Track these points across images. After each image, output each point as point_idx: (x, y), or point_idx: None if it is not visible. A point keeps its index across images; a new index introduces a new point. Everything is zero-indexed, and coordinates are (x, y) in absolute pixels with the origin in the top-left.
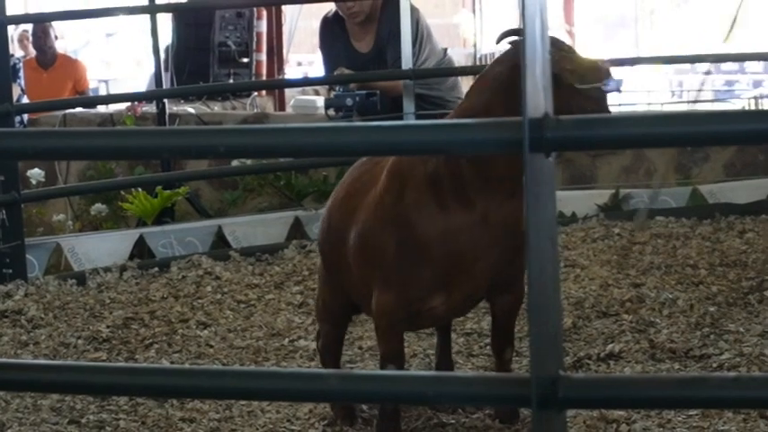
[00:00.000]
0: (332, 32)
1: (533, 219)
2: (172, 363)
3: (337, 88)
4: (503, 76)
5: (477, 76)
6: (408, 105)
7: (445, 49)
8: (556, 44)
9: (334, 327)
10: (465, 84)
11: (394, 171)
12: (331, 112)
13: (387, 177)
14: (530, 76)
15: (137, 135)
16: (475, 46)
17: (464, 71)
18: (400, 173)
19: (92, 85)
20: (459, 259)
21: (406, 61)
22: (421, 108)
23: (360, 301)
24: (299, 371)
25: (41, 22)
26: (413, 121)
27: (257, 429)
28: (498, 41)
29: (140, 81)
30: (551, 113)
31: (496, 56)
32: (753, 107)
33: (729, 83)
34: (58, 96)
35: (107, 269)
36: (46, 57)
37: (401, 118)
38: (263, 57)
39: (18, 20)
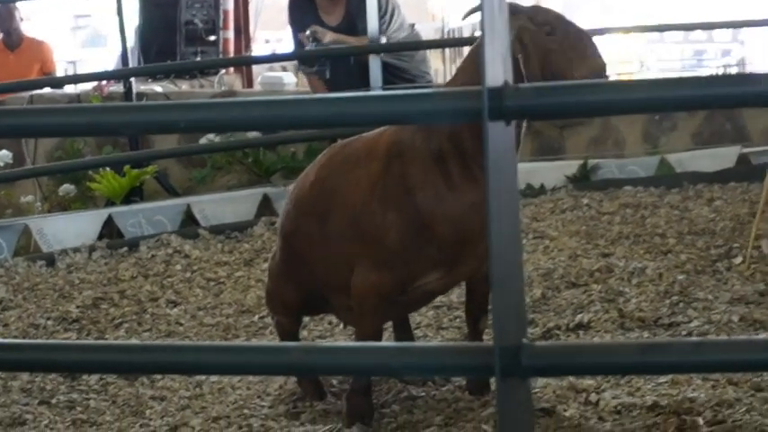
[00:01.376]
0: (300, 8)
1: (494, 187)
2: (142, 341)
3: (311, 43)
4: (475, 52)
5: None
6: (375, 78)
7: (412, 24)
8: (516, 10)
9: (289, 318)
10: (433, 57)
11: (393, 151)
12: (306, 67)
13: (384, 156)
14: (488, 45)
15: (97, 111)
16: (443, 20)
17: (431, 44)
18: (400, 153)
19: (59, 66)
20: (468, 236)
21: (373, 34)
22: (390, 81)
23: (333, 294)
24: (264, 344)
25: (6, 2)
26: (375, 92)
27: (228, 406)
28: (465, 17)
29: (108, 62)
30: (511, 82)
31: (464, 31)
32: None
33: (698, 52)
34: (25, 78)
35: (76, 250)
36: (11, 38)
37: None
38: (231, 34)
39: None
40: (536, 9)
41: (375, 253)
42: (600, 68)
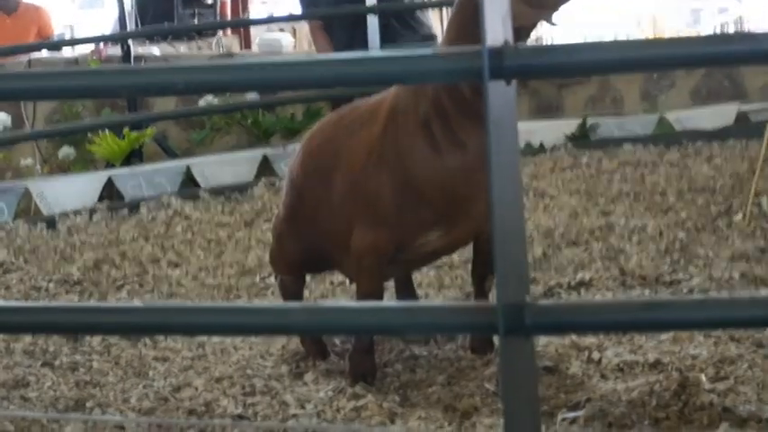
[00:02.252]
0: None
1: (495, 147)
2: (144, 303)
3: None
4: (462, 9)
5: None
6: (374, 38)
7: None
8: None
9: (293, 277)
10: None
11: (389, 114)
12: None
13: (384, 120)
14: (488, 4)
15: (96, 74)
16: None
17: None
18: (395, 116)
19: (57, 30)
20: (456, 199)
21: None
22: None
23: (337, 252)
24: (266, 305)
25: None
26: (373, 52)
27: (230, 366)
28: None
29: (105, 24)
30: (511, 42)
31: None
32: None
33: (695, 10)
34: (23, 42)
35: (77, 212)
36: (8, 3)
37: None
38: None
39: None
40: None
41: (371, 213)
42: None
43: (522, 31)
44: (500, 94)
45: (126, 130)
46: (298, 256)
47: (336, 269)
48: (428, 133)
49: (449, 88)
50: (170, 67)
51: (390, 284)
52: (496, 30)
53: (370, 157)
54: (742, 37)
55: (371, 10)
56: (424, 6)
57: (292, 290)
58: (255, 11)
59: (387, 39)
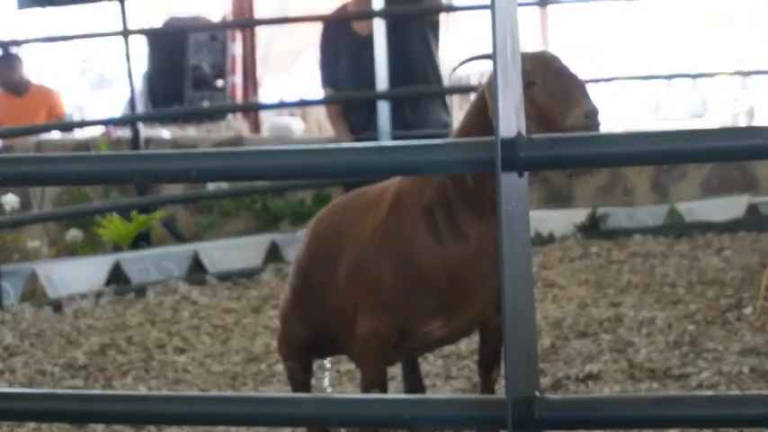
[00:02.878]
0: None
1: (507, 239)
2: (149, 389)
3: None
4: (479, 99)
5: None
6: (384, 126)
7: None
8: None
9: (301, 363)
10: None
11: (394, 199)
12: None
13: (389, 205)
14: (501, 95)
15: (109, 160)
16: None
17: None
18: (399, 202)
19: (67, 110)
20: (458, 289)
21: (381, 82)
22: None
23: (344, 334)
24: (274, 395)
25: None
26: (386, 142)
27: None
28: (464, 63)
29: (115, 105)
30: (524, 133)
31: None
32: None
33: (705, 101)
34: (33, 123)
35: (83, 295)
36: (20, 85)
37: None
38: (238, 79)
39: None
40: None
41: (374, 298)
42: (588, 113)
43: None
44: (513, 185)
45: (134, 213)
46: (304, 340)
47: (342, 353)
48: (431, 221)
49: (454, 177)
50: (183, 154)
51: (397, 372)
52: (510, 120)
53: (374, 242)
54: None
55: (384, 96)
56: (440, 93)
57: (300, 379)
58: (265, 95)
59: (401, 125)
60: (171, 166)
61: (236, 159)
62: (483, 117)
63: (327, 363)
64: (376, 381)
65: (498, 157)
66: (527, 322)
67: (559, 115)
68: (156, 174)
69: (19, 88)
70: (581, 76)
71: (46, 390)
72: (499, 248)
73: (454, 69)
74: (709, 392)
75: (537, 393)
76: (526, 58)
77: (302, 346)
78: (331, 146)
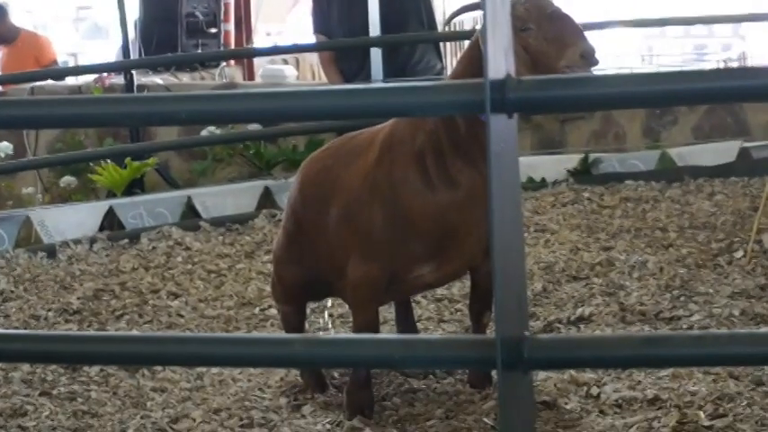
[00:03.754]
0: None
1: (496, 181)
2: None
3: None
4: (472, 45)
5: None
6: (377, 70)
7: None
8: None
9: (294, 307)
10: None
11: (385, 145)
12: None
13: (379, 151)
14: (490, 37)
15: (100, 103)
16: (444, 14)
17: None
18: (390, 147)
19: (61, 58)
20: (448, 235)
21: (374, 28)
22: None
23: (335, 278)
24: (265, 336)
25: None
26: (376, 85)
27: (228, 398)
28: (454, 16)
29: (109, 54)
30: (513, 75)
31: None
32: None
33: (698, 47)
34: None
35: (77, 241)
36: (8, 34)
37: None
38: (231, 27)
39: None
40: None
41: (364, 243)
42: (584, 53)
43: None
44: (502, 127)
45: (128, 159)
46: (297, 283)
47: (335, 295)
48: (422, 167)
49: (446, 124)
50: (173, 97)
51: (391, 317)
52: (499, 62)
53: (364, 188)
54: (746, 72)
55: (376, 42)
56: (434, 40)
57: (294, 323)
58: (259, 41)
59: (394, 71)
60: (161, 108)
61: (226, 102)
62: (476, 64)
63: (329, 301)
64: (368, 325)
65: (488, 99)
66: (516, 264)
67: (554, 58)
68: (147, 116)
69: (7, 37)
70: (575, 18)
71: (40, 332)
72: (488, 190)
73: (448, 21)
74: (698, 332)
75: (526, 333)
76: (519, 3)
77: (295, 290)
78: (321, 88)
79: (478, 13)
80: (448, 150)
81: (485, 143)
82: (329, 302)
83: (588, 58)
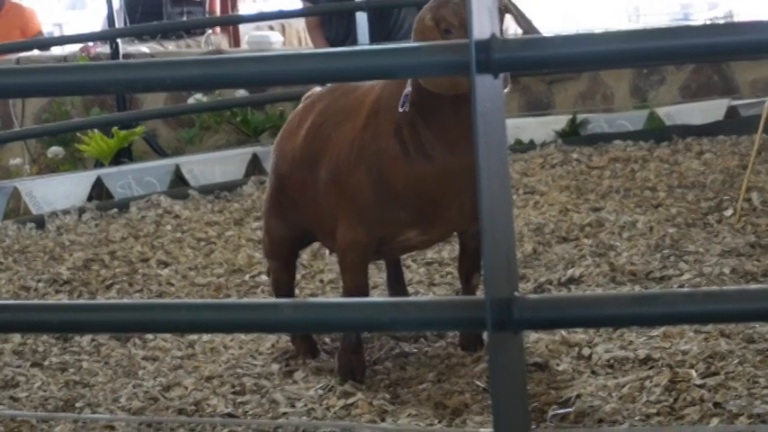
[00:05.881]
0: None
1: (483, 141)
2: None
3: None
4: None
5: None
6: (363, 33)
7: None
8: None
9: (283, 262)
10: None
11: (372, 110)
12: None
13: (366, 115)
14: None
15: (84, 70)
16: None
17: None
18: (377, 113)
19: (46, 28)
20: (428, 204)
21: None
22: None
23: (321, 234)
24: (254, 301)
25: None
26: (361, 47)
27: (220, 366)
28: None
29: (92, 24)
30: (498, 35)
31: None
32: None
33: (685, 5)
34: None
35: (66, 211)
36: None
37: None
38: None
39: None
40: (440, 3)
41: (351, 208)
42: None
43: None
44: (487, 87)
45: (115, 128)
46: (286, 237)
47: (322, 243)
48: (400, 139)
49: (416, 99)
50: (158, 63)
51: (381, 281)
52: (483, 23)
53: (352, 151)
54: (731, 28)
55: (362, 7)
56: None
57: (284, 280)
58: (245, 8)
59: (380, 36)
60: (146, 74)
61: (211, 66)
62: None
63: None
64: (357, 289)
65: (473, 59)
66: (505, 223)
67: None
68: (132, 82)
69: None
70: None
71: (30, 301)
72: (475, 150)
73: None
74: (688, 289)
75: (516, 294)
76: (443, 5)
77: (284, 244)
78: (305, 51)
79: None
80: (420, 127)
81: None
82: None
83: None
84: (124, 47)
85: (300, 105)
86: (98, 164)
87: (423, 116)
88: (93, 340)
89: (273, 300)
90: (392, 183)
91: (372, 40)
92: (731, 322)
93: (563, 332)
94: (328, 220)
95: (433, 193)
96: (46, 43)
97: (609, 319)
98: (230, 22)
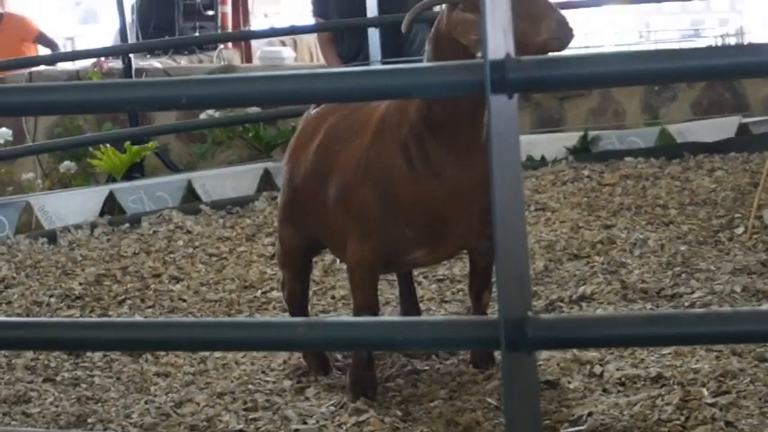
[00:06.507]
0: None
1: (497, 161)
2: (145, 318)
3: None
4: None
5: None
6: (375, 52)
7: None
8: None
9: (297, 272)
10: None
11: (378, 127)
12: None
13: (372, 133)
14: (489, 16)
15: (99, 88)
16: None
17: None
18: (382, 131)
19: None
20: (436, 221)
21: (371, 8)
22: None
23: (332, 247)
24: (268, 320)
25: None
26: (376, 67)
27: (232, 382)
28: None
29: (104, 38)
30: (512, 54)
31: None
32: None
33: (696, 22)
34: (13, 55)
35: (78, 226)
36: None
37: None
38: (229, 9)
39: None
40: None
41: (358, 225)
42: (558, 21)
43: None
44: (502, 107)
45: (127, 143)
46: (298, 249)
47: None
48: (406, 156)
49: (425, 115)
50: (173, 81)
51: (393, 297)
52: (498, 42)
53: (359, 169)
54: (744, 49)
55: (374, 23)
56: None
57: (298, 295)
58: (257, 24)
59: (392, 53)
60: (161, 93)
61: (226, 86)
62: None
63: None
64: (367, 305)
65: (488, 79)
66: (519, 242)
67: (532, 35)
68: (147, 101)
69: None
70: None
71: (43, 318)
72: (489, 169)
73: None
74: (701, 310)
75: (529, 314)
76: None
77: (297, 253)
78: (319, 71)
79: None
80: (428, 142)
81: (475, 131)
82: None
83: (563, 26)
84: (136, 61)
85: (313, 114)
86: (110, 179)
87: (432, 129)
88: (105, 356)
89: (288, 318)
90: (398, 200)
91: (384, 56)
92: (744, 343)
93: (575, 350)
94: (338, 235)
95: (441, 209)
96: (59, 58)
97: (623, 339)
98: (242, 38)
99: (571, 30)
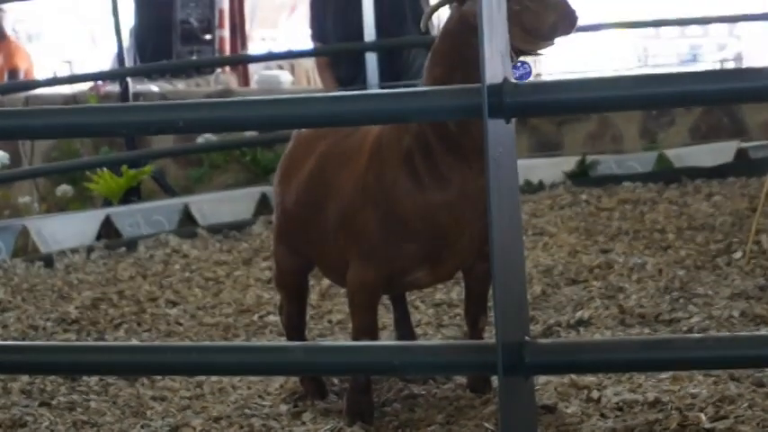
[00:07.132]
0: None
1: (494, 185)
2: (142, 342)
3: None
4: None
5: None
6: (372, 76)
7: None
8: None
9: (293, 293)
10: None
11: (374, 148)
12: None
13: (368, 154)
14: (487, 41)
15: (96, 112)
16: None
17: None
18: (379, 150)
19: (54, 66)
20: (441, 236)
21: (369, 33)
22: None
23: (328, 271)
24: (265, 344)
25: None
26: (374, 91)
27: (228, 406)
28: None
29: (102, 62)
30: (510, 79)
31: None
32: None
33: (694, 47)
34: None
35: (74, 250)
36: None
37: None
38: (226, 33)
39: None
40: None
41: (360, 249)
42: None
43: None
44: (499, 131)
45: (124, 167)
46: (294, 270)
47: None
48: (411, 168)
49: (434, 123)
50: (170, 105)
51: (390, 322)
52: (496, 66)
53: (357, 193)
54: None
55: (372, 47)
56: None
57: (294, 317)
58: (254, 48)
59: (389, 77)
60: (158, 117)
61: (223, 109)
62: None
63: None
64: (366, 329)
65: (485, 104)
66: (516, 267)
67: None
68: (144, 125)
69: None
70: None
71: (39, 342)
72: (487, 194)
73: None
74: (699, 335)
75: (527, 338)
76: None
77: (293, 273)
78: (317, 95)
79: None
80: (436, 150)
81: (475, 141)
82: None
83: (567, 6)
84: (134, 85)
85: (303, 134)
86: (107, 202)
87: (440, 135)
88: (101, 380)
89: (285, 342)
90: (402, 216)
91: (382, 80)
92: (742, 368)
93: (572, 375)
94: (336, 260)
95: (447, 220)
96: (56, 82)
97: (620, 364)
98: (240, 62)
99: (574, 11)
